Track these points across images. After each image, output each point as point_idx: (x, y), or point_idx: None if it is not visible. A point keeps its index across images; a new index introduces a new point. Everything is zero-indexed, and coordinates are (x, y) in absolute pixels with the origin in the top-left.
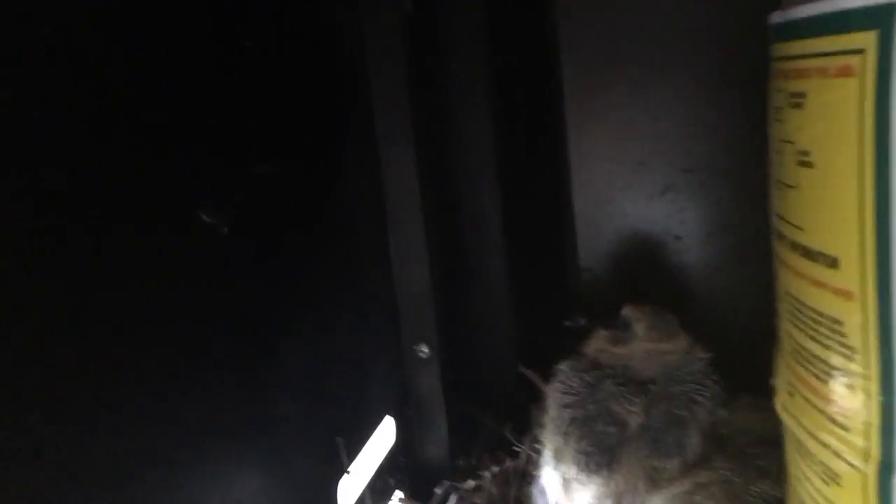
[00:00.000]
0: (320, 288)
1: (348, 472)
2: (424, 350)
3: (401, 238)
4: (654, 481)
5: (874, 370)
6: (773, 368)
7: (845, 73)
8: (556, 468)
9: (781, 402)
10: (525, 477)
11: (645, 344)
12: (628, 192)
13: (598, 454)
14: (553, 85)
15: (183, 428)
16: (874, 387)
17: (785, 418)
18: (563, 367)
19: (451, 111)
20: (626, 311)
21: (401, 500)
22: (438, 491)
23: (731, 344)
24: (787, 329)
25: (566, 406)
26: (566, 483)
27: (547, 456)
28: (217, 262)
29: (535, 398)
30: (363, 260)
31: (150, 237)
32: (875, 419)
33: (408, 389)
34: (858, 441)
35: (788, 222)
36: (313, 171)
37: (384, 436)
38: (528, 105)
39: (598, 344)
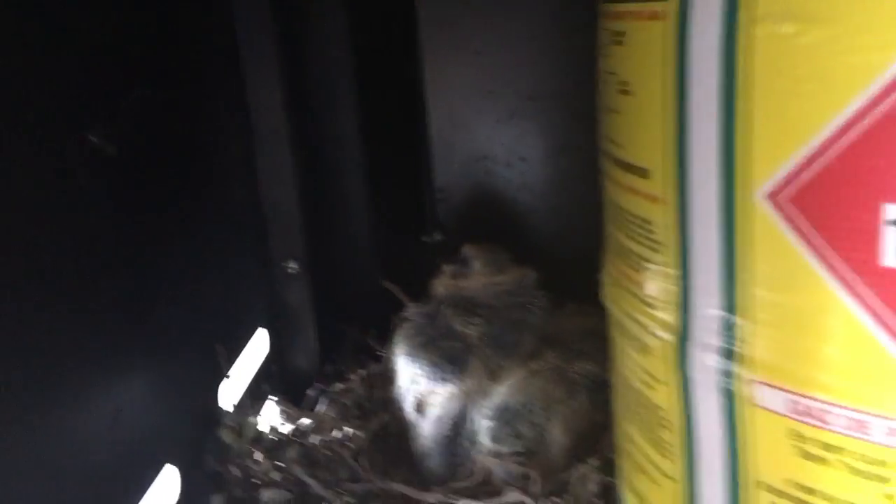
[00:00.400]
0: (195, 206)
1: (228, 377)
2: (293, 266)
3: (267, 160)
4: (496, 376)
5: (675, 259)
6: (600, 265)
7: (653, 17)
8: (409, 389)
9: (606, 292)
10: (389, 378)
11: (482, 277)
12: (478, 118)
13: (447, 364)
14: (409, 17)
15: (71, 337)
16: (675, 272)
17: (609, 305)
18: (408, 312)
19: (313, 38)
20: (466, 250)
21: (276, 401)
22: (310, 393)
23: (567, 255)
24: (611, 231)
25: (412, 337)
26: (421, 397)
27: (401, 379)
28: (104, 180)
29: (397, 308)
30: (233, 180)
31: (42, 155)
32: (675, 298)
33: (279, 303)
34: (663, 317)
35: (612, 141)
36: (184, 96)
37: (258, 346)
38: (385, 35)
39: (443, 280)
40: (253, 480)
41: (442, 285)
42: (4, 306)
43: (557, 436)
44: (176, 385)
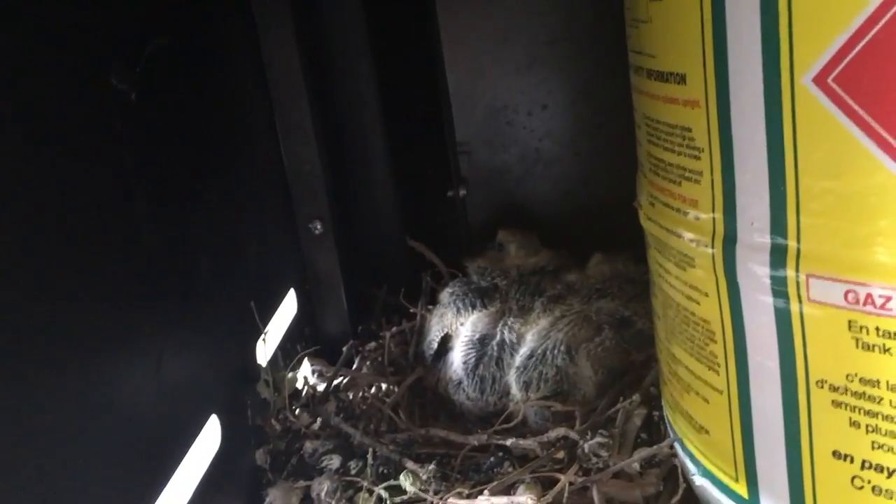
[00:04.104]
0: (219, 163)
1: (265, 335)
2: (318, 227)
3: (287, 119)
4: (525, 315)
5: (717, 163)
6: (637, 190)
7: None
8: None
9: (645, 213)
10: (420, 334)
11: (516, 260)
12: (497, 67)
13: (475, 296)
14: None
15: (110, 293)
16: (717, 177)
17: (648, 226)
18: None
19: None
20: (500, 235)
21: (310, 360)
22: (344, 351)
23: (594, 201)
24: (646, 149)
25: (450, 293)
26: (449, 328)
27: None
28: (128, 127)
29: (424, 266)
30: (255, 139)
31: (68, 99)
32: (719, 203)
33: (307, 265)
34: (707, 225)
35: (643, 53)
36: (202, 51)
37: (289, 307)
38: None
39: (480, 261)
40: (294, 433)
41: (479, 269)
42: (48, 257)
43: (587, 372)
44: (213, 340)
